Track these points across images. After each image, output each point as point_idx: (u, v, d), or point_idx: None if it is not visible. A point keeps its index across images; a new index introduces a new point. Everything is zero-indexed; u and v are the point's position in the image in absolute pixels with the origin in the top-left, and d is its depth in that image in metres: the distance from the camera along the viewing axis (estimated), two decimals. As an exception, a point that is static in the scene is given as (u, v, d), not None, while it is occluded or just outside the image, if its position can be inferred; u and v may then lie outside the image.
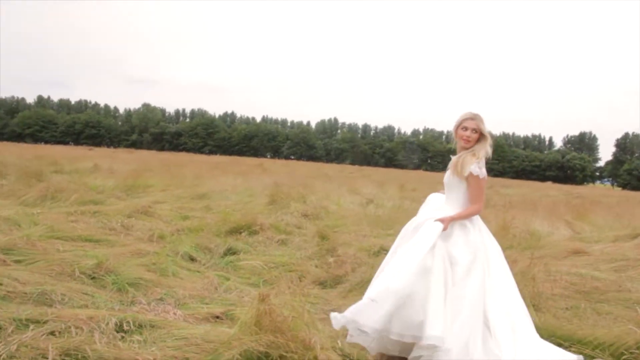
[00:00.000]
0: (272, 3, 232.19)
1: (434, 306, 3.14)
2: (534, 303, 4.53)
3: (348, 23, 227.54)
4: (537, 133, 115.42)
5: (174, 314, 3.78)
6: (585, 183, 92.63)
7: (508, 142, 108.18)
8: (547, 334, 3.73)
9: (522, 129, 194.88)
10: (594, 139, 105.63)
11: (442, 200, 3.79)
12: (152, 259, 5.55)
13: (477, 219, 3.62)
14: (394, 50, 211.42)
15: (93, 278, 4.73)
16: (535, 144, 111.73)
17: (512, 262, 5.08)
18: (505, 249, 7.33)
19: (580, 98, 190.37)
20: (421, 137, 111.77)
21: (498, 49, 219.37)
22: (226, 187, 14.84)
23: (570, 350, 3.53)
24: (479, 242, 3.49)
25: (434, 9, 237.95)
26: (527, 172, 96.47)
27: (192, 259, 6.03)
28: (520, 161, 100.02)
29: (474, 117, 3.65)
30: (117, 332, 3.33)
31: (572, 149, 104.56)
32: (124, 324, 3.39)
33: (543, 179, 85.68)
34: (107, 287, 4.53)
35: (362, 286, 4.71)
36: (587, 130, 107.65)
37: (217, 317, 3.84)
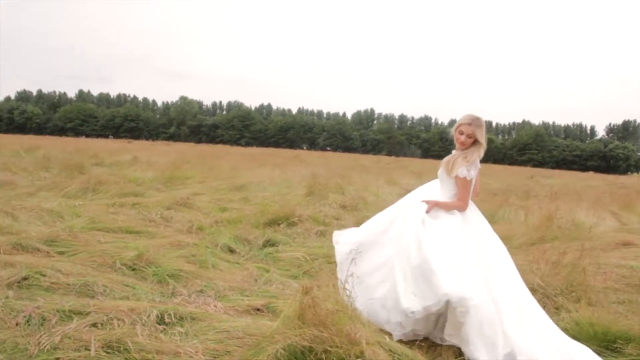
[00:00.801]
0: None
1: (441, 267, 3.38)
2: (587, 297, 4.34)
3: (384, 13, 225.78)
4: (578, 122, 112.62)
5: (215, 306, 3.74)
6: (629, 173, 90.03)
7: (548, 132, 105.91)
8: (602, 329, 3.56)
9: (563, 118, 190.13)
10: (638, 127, 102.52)
11: (438, 188, 4.04)
12: (192, 251, 5.55)
13: (470, 213, 3.85)
14: (431, 39, 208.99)
15: (134, 269, 4.74)
16: (577, 133, 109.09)
17: (559, 254, 4.91)
18: (550, 240, 7.15)
19: (624, 85, 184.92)
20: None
21: (538, 36, 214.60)
22: (263, 178, 14.84)
23: (627, 348, 3.36)
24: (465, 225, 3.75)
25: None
26: (568, 162, 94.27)
27: (231, 251, 6.00)
28: (561, 151, 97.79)
29: (471, 123, 3.83)
30: (159, 324, 3.30)
31: (615, 138, 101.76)
32: (165, 316, 3.36)
33: (584, 168, 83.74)
34: (148, 279, 4.53)
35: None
36: (630, 118, 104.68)
37: (258, 309, 3.79)
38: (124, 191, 10.26)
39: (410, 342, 3.36)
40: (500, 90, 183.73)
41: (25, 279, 4.21)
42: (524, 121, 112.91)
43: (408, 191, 13.95)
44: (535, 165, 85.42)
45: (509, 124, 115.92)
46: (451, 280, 3.31)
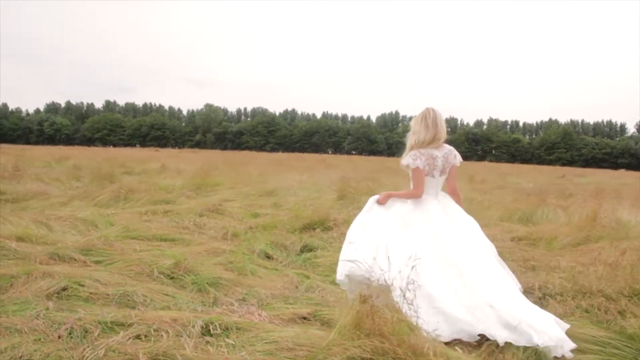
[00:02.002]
0: (327, 0, 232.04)
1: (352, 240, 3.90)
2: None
3: (407, 15, 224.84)
4: (607, 119, 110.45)
5: (259, 315, 3.60)
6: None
7: (576, 130, 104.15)
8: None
9: (592, 116, 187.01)
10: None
11: None
12: (229, 258, 5.43)
13: (429, 201, 4.02)
14: (455, 39, 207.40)
15: (172, 278, 4.63)
16: (606, 130, 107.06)
17: (617, 255, 4.66)
18: (596, 240, 6.88)
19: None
20: (484, 127, 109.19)
21: (565, 33, 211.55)
22: (292, 183, 14.71)
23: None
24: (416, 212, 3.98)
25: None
26: (598, 160, 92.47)
27: (269, 257, 5.87)
28: (590, 149, 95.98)
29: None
30: (204, 335, 3.17)
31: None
32: (210, 327, 3.23)
33: (615, 166, 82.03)
34: (187, 288, 4.42)
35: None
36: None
37: (305, 318, 3.63)
38: (155, 199, 10.23)
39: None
40: (526, 89, 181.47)
41: (64, 289, 4.13)
42: (550, 120, 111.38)
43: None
44: (564, 164, 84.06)
45: (536, 123, 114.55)
46: (351, 252, 3.77)
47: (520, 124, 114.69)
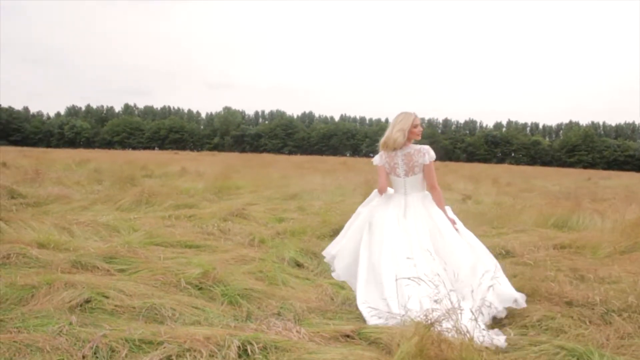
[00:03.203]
0: (344, 2, 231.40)
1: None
2: None
3: (424, 18, 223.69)
4: (630, 121, 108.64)
5: (297, 332, 3.31)
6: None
7: (598, 132, 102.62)
8: None
9: (614, 118, 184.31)
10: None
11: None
12: (258, 266, 5.15)
13: (395, 198, 4.51)
14: (474, 42, 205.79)
15: (200, 289, 4.36)
16: (628, 132, 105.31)
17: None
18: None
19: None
20: (504, 130, 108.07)
21: (585, 35, 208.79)
22: (315, 186, 14.43)
23: None
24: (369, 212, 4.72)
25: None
26: (620, 163, 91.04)
27: (299, 265, 5.59)
28: (612, 151, 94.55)
29: None
30: (240, 356, 2.90)
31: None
32: (248, 347, 2.95)
33: (637, 169, 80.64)
34: (217, 299, 4.15)
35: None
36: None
37: (348, 336, 3.33)
38: (177, 203, 10.03)
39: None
40: (546, 91, 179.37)
41: (87, 301, 3.87)
42: (571, 122, 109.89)
43: (467, 196, 13.34)
44: (585, 167, 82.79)
45: (556, 125, 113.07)
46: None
47: (540, 125, 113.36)
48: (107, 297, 3.93)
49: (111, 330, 3.22)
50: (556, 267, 5.31)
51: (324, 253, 5.21)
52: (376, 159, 4.53)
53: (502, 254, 5.94)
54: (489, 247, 6.23)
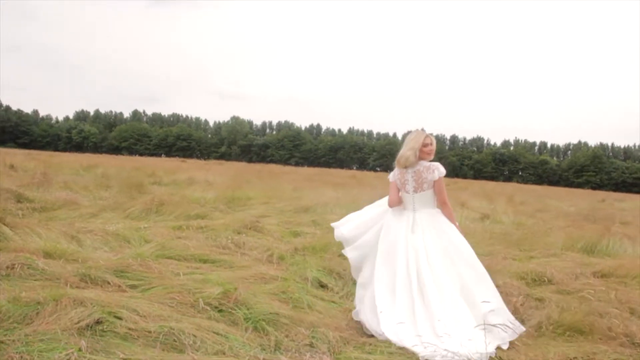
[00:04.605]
0: (354, 16, 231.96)
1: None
2: None
3: (433, 34, 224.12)
4: (639, 143, 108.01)
5: (336, 368, 2.93)
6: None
7: (606, 153, 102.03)
8: None
9: (622, 139, 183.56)
10: None
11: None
12: (280, 286, 4.77)
13: (405, 213, 4.43)
14: (482, 58, 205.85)
15: (220, 311, 3.98)
16: (637, 154, 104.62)
17: None
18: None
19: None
20: (512, 148, 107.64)
21: (594, 57, 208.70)
22: (327, 199, 14.05)
23: None
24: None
25: (524, 15, 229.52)
26: (628, 185, 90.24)
27: (322, 286, 5.23)
28: (620, 173, 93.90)
29: None
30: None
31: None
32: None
33: (646, 191, 79.88)
34: (240, 324, 3.76)
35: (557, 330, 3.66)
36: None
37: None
38: (188, 213, 9.67)
39: None
40: (554, 111, 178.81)
41: (98, 322, 3.49)
42: (580, 142, 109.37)
43: (485, 215, 12.89)
44: (593, 188, 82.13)
45: (564, 145, 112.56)
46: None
47: (548, 145, 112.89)
48: (119, 318, 3.56)
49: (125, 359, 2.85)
50: (605, 298, 4.91)
51: (333, 225, 5.01)
52: (390, 175, 4.59)
53: (544, 282, 5.52)
54: (524, 273, 5.88)
